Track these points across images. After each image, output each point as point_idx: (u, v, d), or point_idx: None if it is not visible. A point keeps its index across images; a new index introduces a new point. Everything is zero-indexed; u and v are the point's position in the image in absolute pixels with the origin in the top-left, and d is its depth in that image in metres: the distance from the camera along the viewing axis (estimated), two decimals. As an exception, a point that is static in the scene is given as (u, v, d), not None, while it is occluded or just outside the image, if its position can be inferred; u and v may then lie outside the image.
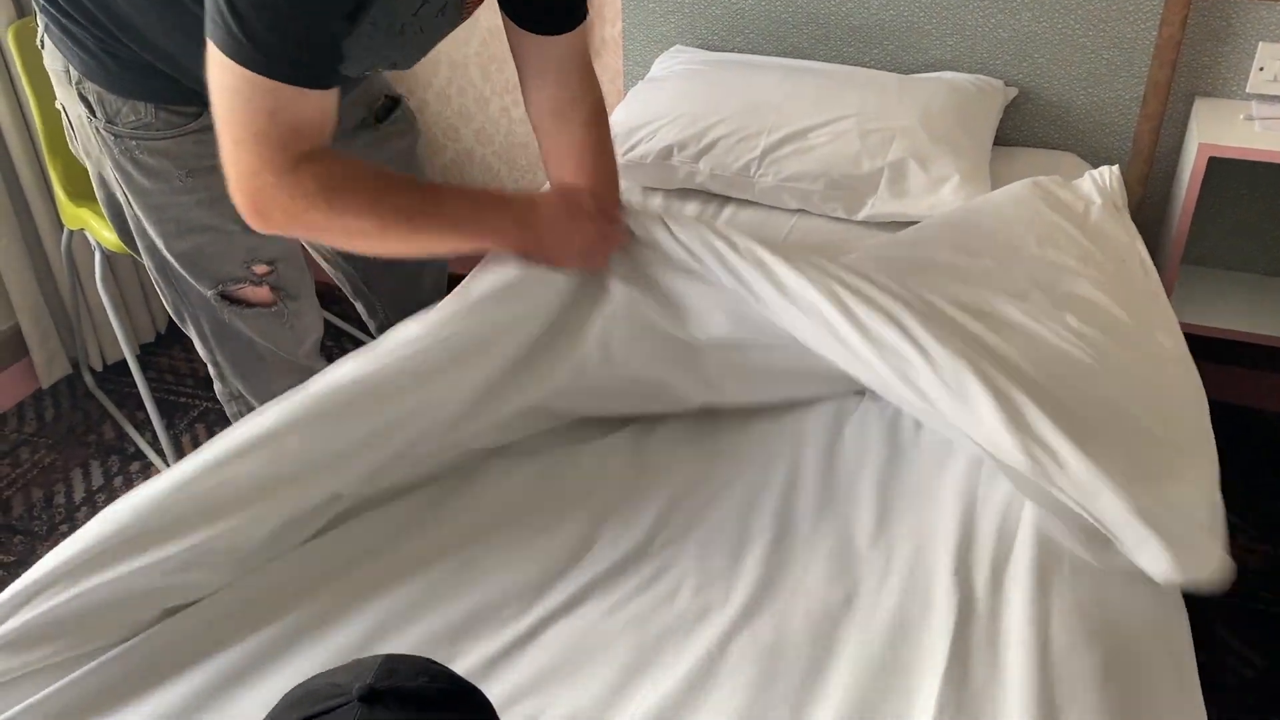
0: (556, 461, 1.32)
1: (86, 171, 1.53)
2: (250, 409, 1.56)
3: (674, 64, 2.23)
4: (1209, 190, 2.15)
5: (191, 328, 1.58)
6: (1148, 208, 2.19)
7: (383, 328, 1.68)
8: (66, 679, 1.03)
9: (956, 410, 1.17)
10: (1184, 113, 2.09)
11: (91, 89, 1.37)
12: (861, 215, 1.86)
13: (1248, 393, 2.34)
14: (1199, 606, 1.86)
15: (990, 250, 1.52)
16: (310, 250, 1.70)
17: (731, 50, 2.30)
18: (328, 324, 2.43)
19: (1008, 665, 1.01)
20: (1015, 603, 1.07)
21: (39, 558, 2.07)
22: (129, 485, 2.27)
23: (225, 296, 1.50)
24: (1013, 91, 2.13)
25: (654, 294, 1.36)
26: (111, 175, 1.45)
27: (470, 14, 1.37)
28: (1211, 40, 2.02)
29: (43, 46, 1.43)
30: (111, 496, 2.24)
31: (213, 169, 1.24)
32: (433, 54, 2.59)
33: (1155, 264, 2.17)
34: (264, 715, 0.72)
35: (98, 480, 2.30)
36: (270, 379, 1.58)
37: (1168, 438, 1.23)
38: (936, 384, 1.18)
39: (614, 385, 1.36)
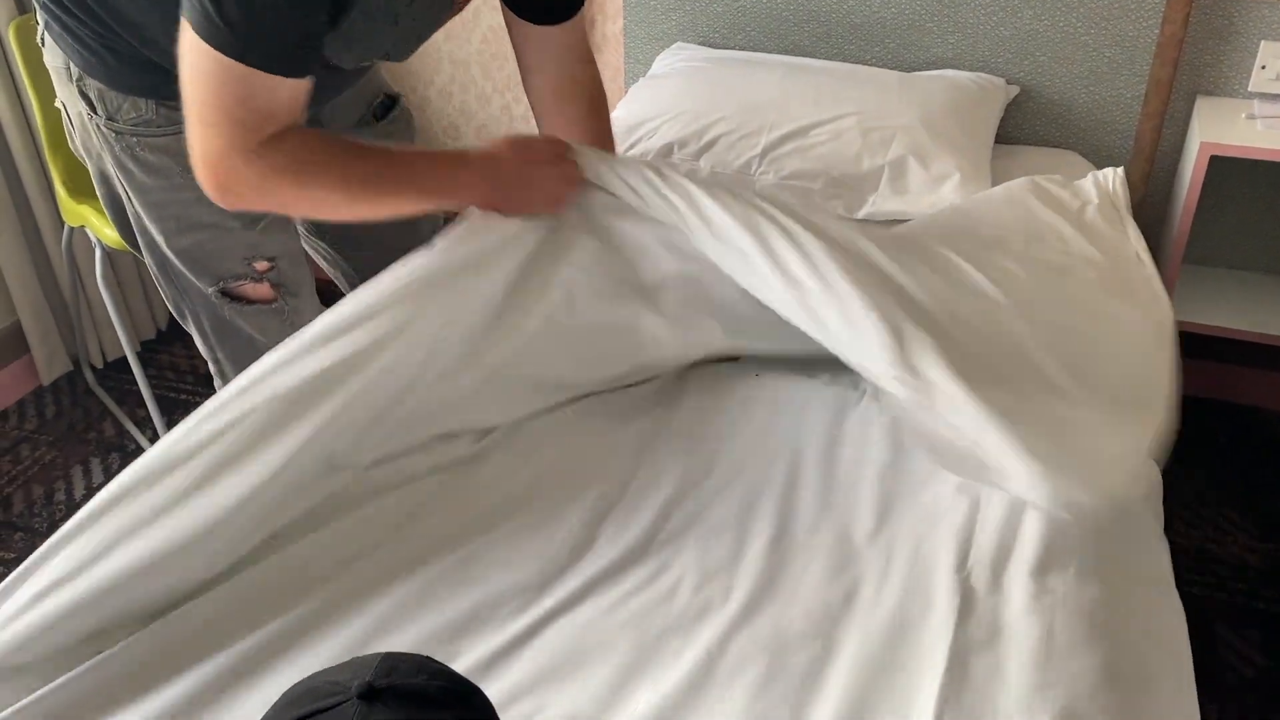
0: (556, 460, 1.32)
1: (87, 168, 1.53)
2: None
3: (675, 61, 2.23)
4: (1210, 189, 2.14)
5: (192, 325, 1.58)
6: (1149, 206, 2.18)
7: None
8: (64, 678, 1.03)
9: (849, 339, 1.23)
10: (1186, 111, 2.09)
11: (92, 85, 1.37)
12: (862, 213, 1.85)
13: (1248, 392, 2.34)
14: (1200, 606, 1.86)
15: (970, 243, 1.52)
16: (309, 249, 1.70)
17: (733, 48, 2.29)
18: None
19: (1008, 664, 1.01)
20: (1016, 602, 1.07)
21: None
22: (129, 482, 2.27)
23: (226, 293, 1.50)
24: (1014, 89, 2.12)
25: (606, 237, 1.39)
26: (112, 172, 1.45)
27: (464, 5, 1.37)
28: (1213, 38, 2.02)
29: (43, 44, 1.43)
30: (112, 493, 2.24)
31: None
32: (434, 52, 2.59)
33: (1156, 262, 2.17)
34: (264, 713, 0.72)
35: (98, 477, 2.30)
36: None
37: (1080, 391, 1.26)
38: (834, 313, 1.24)
39: (586, 336, 1.37)
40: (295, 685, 0.72)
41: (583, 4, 1.44)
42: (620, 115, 2.06)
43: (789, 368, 1.42)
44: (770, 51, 2.26)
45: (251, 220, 1.46)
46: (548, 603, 1.12)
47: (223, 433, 1.15)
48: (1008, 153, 2.09)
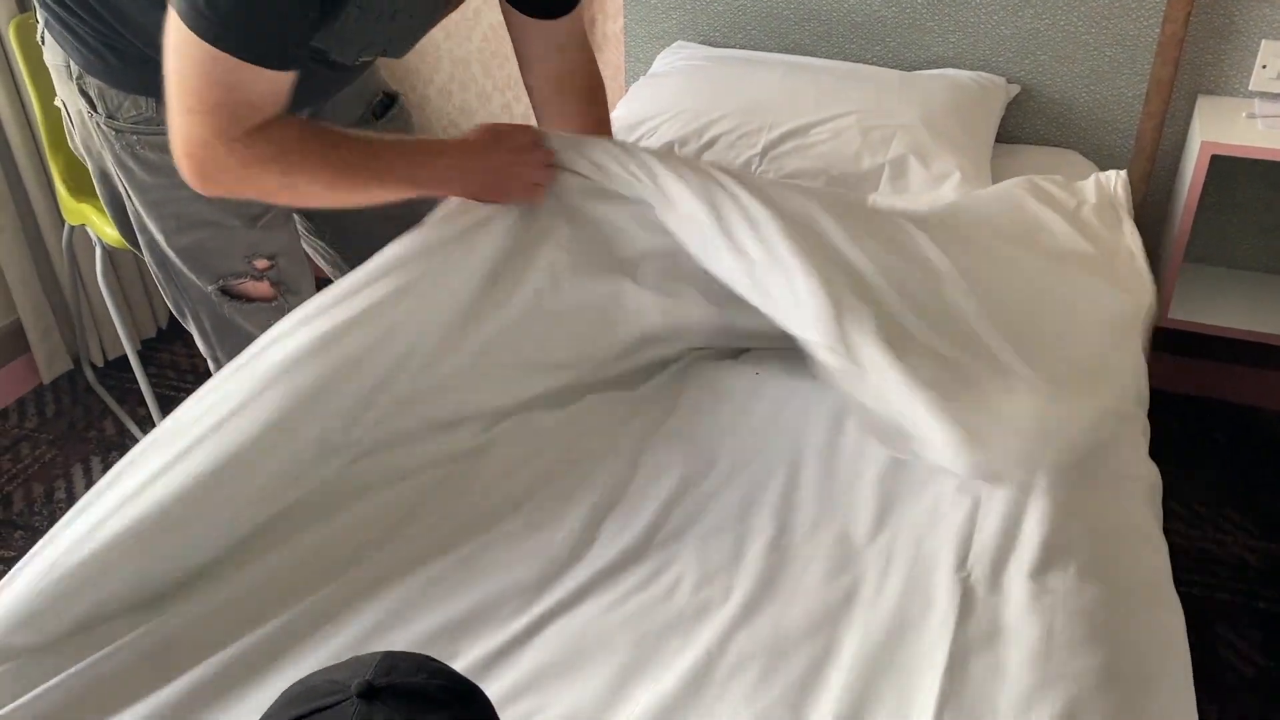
0: (556, 460, 1.32)
1: (87, 167, 1.53)
2: None
3: (676, 60, 2.23)
4: (1211, 188, 2.14)
5: (192, 323, 1.58)
6: (1150, 205, 2.18)
7: None
8: (63, 675, 1.02)
9: (790, 309, 1.27)
10: (1186, 110, 2.09)
11: (92, 84, 1.37)
12: (863, 212, 1.85)
13: (1249, 391, 2.34)
14: (1199, 606, 1.86)
15: (942, 224, 1.55)
16: (308, 249, 1.70)
17: (733, 46, 2.29)
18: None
19: (1008, 664, 1.01)
20: (1016, 602, 1.07)
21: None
22: (130, 481, 2.28)
23: (226, 292, 1.50)
24: (1015, 88, 2.12)
25: (583, 218, 1.41)
26: (112, 170, 1.45)
27: (461, 1, 1.38)
28: (1214, 38, 2.02)
29: (43, 42, 1.43)
30: (112, 492, 2.24)
31: None
32: (434, 50, 2.59)
33: (1157, 261, 2.17)
34: (263, 712, 0.72)
35: (98, 476, 2.29)
36: None
37: (1023, 365, 1.29)
38: (778, 284, 1.28)
39: (573, 313, 1.39)
40: (295, 684, 0.72)
41: None
42: (621, 114, 2.06)
43: (789, 367, 1.42)
44: (770, 50, 2.26)
45: (251, 218, 1.46)
46: (548, 602, 1.12)
47: (212, 406, 1.18)
48: (1008, 152, 2.09)
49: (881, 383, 1.22)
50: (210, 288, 1.50)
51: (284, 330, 1.25)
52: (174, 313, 1.58)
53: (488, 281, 1.35)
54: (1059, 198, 1.71)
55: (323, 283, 1.70)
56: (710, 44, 2.31)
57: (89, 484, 2.27)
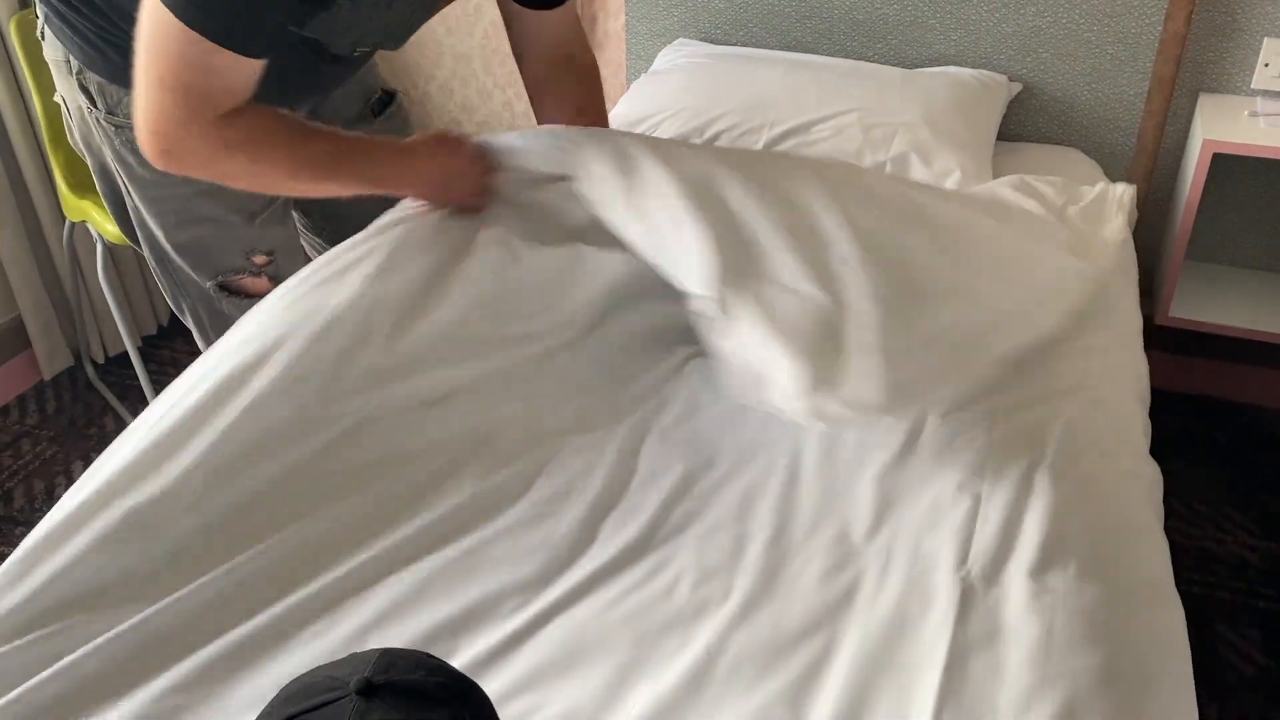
0: (556, 455, 1.32)
1: (87, 163, 1.53)
2: None
3: (677, 57, 2.23)
4: (1213, 186, 2.14)
5: (190, 319, 1.58)
6: (1151, 203, 2.18)
7: None
8: (55, 667, 1.02)
9: (674, 262, 1.31)
10: (1188, 108, 2.09)
11: (92, 79, 1.37)
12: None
13: (1250, 390, 2.33)
14: (1200, 605, 1.86)
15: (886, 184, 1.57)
16: (306, 246, 1.70)
17: (735, 44, 2.29)
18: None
19: (1007, 663, 1.01)
20: (1015, 600, 1.07)
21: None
22: (130, 477, 2.28)
23: (224, 287, 1.50)
24: (1017, 87, 2.12)
25: (530, 200, 1.45)
26: (112, 166, 1.45)
27: None
28: (1217, 36, 2.01)
29: (43, 37, 1.43)
30: (113, 488, 2.24)
31: None
32: (435, 46, 2.59)
33: (1158, 259, 2.17)
34: (260, 709, 0.72)
35: (99, 472, 2.30)
36: None
37: (896, 319, 1.30)
38: (673, 241, 1.32)
39: (537, 277, 1.41)
40: (293, 681, 0.72)
41: None
42: (622, 111, 2.06)
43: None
44: (772, 48, 2.26)
45: (250, 215, 1.47)
46: (547, 599, 1.12)
47: (177, 401, 1.22)
48: (1010, 150, 2.09)
49: (748, 331, 1.25)
50: (209, 284, 1.50)
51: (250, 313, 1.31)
52: (172, 308, 1.59)
53: (447, 268, 1.38)
54: (1046, 195, 1.72)
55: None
56: (712, 41, 2.30)
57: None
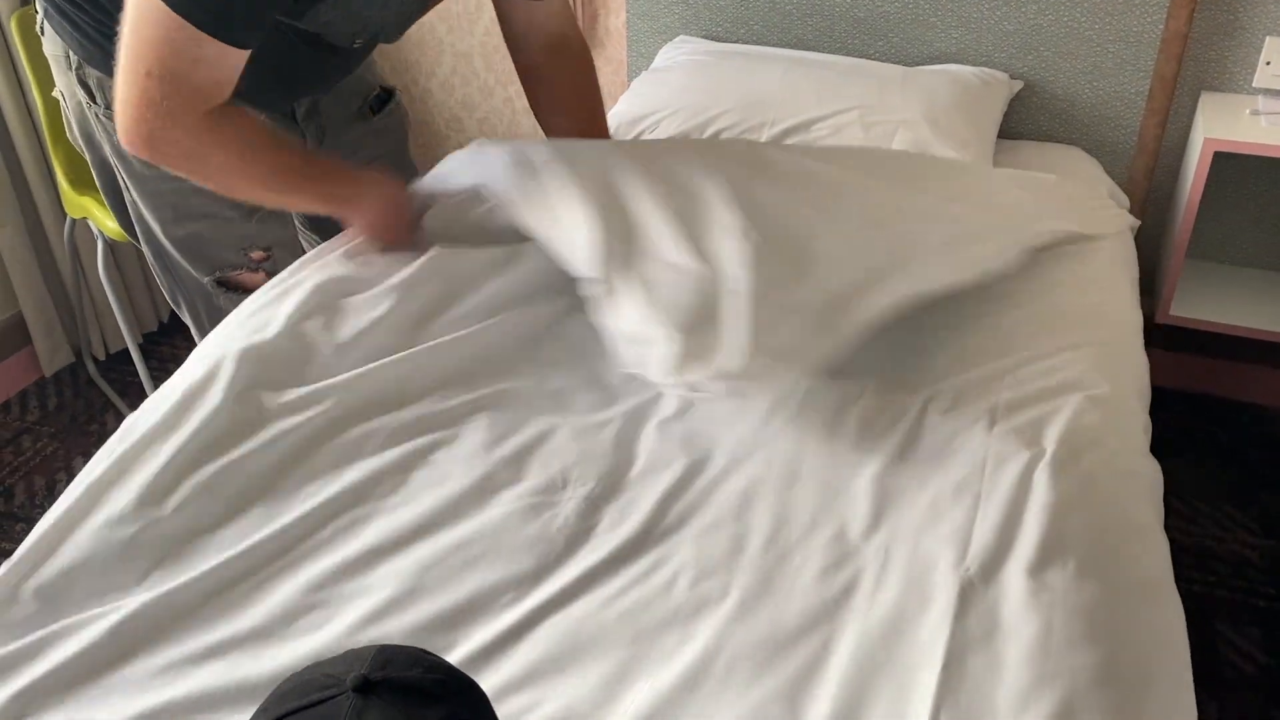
0: (554, 450, 1.31)
1: (85, 158, 1.53)
2: None
3: (678, 55, 2.23)
4: (1214, 185, 2.14)
5: (187, 313, 1.58)
6: (1152, 202, 2.18)
7: None
8: (50, 656, 1.03)
9: (567, 242, 1.37)
10: (1190, 107, 2.08)
11: (91, 74, 1.37)
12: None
13: (1250, 388, 2.33)
14: (1200, 603, 1.86)
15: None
16: (304, 243, 1.70)
17: (736, 41, 2.29)
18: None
19: (1006, 661, 1.01)
20: (1014, 598, 1.07)
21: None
22: (131, 474, 2.28)
23: (222, 283, 1.50)
24: (1018, 84, 2.12)
25: (461, 226, 1.54)
26: (111, 161, 1.45)
27: None
28: (1218, 34, 2.01)
29: (42, 33, 1.43)
30: (113, 485, 2.25)
31: None
32: (436, 43, 2.59)
33: (1159, 257, 2.17)
34: (257, 707, 0.72)
35: (99, 469, 2.30)
36: None
37: (783, 289, 1.34)
38: (561, 219, 1.39)
39: (485, 259, 1.47)
40: (289, 678, 0.72)
41: None
42: (623, 109, 2.06)
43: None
44: (773, 45, 2.26)
45: (248, 211, 1.47)
46: (544, 594, 1.11)
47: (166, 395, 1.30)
48: (1011, 148, 2.08)
49: (629, 309, 1.31)
50: (206, 279, 1.50)
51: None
52: (170, 302, 1.59)
53: (404, 263, 1.44)
54: (1036, 175, 1.78)
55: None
56: (713, 39, 2.30)
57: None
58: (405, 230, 1.47)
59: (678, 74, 2.13)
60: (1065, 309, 1.50)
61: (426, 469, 1.26)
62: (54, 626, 1.06)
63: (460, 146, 2.71)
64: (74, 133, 1.51)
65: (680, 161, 1.47)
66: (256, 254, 1.50)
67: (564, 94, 1.59)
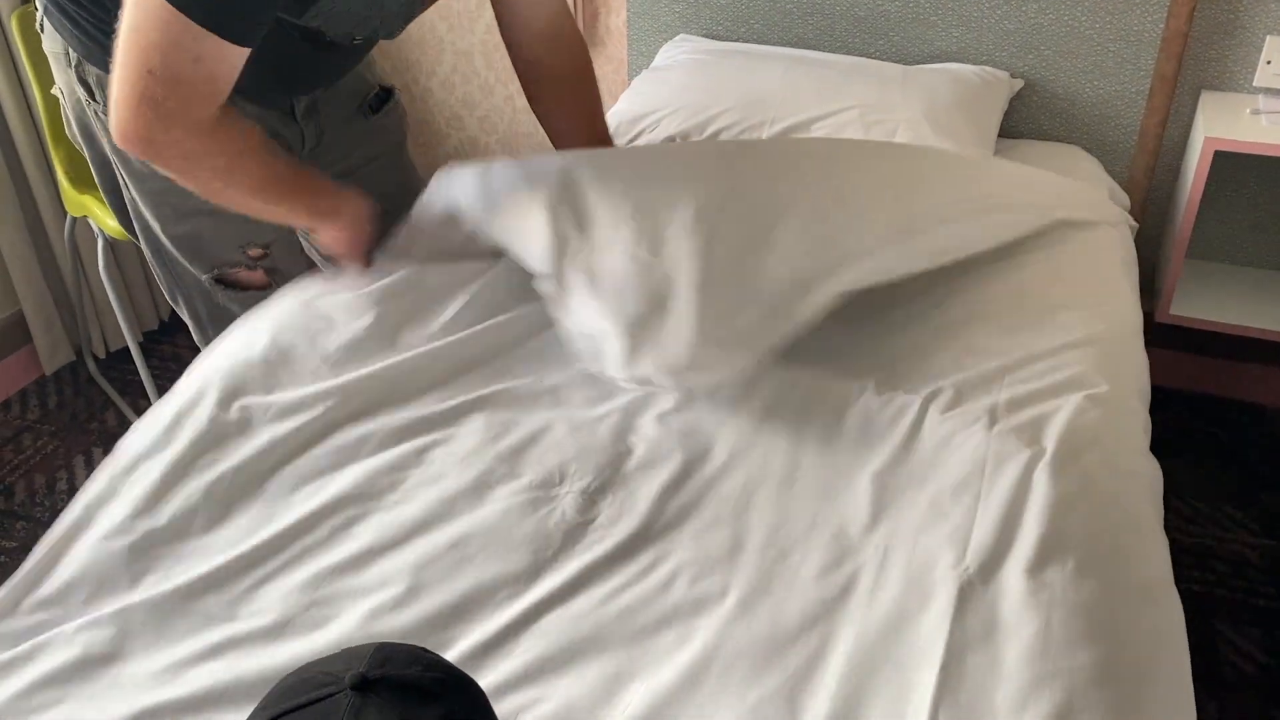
0: (551, 445, 1.31)
1: (84, 155, 1.53)
2: None
3: (678, 54, 2.23)
4: (1214, 184, 2.14)
5: (186, 311, 1.58)
6: (1153, 201, 2.18)
7: None
8: (50, 657, 1.03)
9: (521, 245, 1.41)
10: (1190, 106, 2.08)
11: (91, 71, 1.37)
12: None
13: (1251, 388, 2.33)
14: (1199, 603, 1.86)
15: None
16: (301, 237, 1.70)
17: (736, 40, 2.29)
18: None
19: (1005, 660, 1.01)
20: (1013, 597, 1.07)
21: (40, 544, 2.07)
22: (131, 472, 2.28)
23: (220, 280, 1.50)
24: (1018, 83, 2.12)
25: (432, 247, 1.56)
26: (111, 158, 1.45)
27: None
28: (1219, 33, 2.01)
29: (42, 30, 1.43)
30: (113, 483, 2.25)
31: None
32: (436, 42, 2.59)
33: (1159, 257, 2.17)
34: (255, 705, 0.72)
35: (100, 467, 2.30)
36: None
37: (726, 287, 1.35)
38: (513, 226, 1.42)
39: (460, 269, 1.50)
40: (288, 676, 0.72)
41: None
42: (623, 108, 2.06)
43: (790, 357, 1.41)
44: (773, 44, 2.26)
45: None
46: (542, 591, 1.11)
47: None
48: (1011, 147, 2.08)
49: (580, 305, 1.34)
50: (204, 276, 1.50)
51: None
52: (169, 299, 1.59)
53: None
54: (1033, 170, 1.78)
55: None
56: (713, 38, 2.30)
57: (90, 475, 2.27)
58: (369, 250, 1.49)
59: (678, 73, 2.13)
60: (1065, 308, 1.50)
61: (422, 468, 1.26)
62: (54, 631, 1.07)
63: (461, 145, 2.72)
64: (73, 130, 1.50)
65: (651, 155, 1.50)
66: (255, 251, 1.50)
67: (561, 87, 1.59)
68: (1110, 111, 2.10)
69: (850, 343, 1.44)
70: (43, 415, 2.47)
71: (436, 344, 1.39)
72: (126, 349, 2.64)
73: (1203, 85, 2.06)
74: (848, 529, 1.19)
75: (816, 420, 1.33)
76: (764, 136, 1.91)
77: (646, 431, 1.32)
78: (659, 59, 2.26)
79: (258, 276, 1.51)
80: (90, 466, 2.30)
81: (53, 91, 1.49)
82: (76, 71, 1.38)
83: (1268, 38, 1.98)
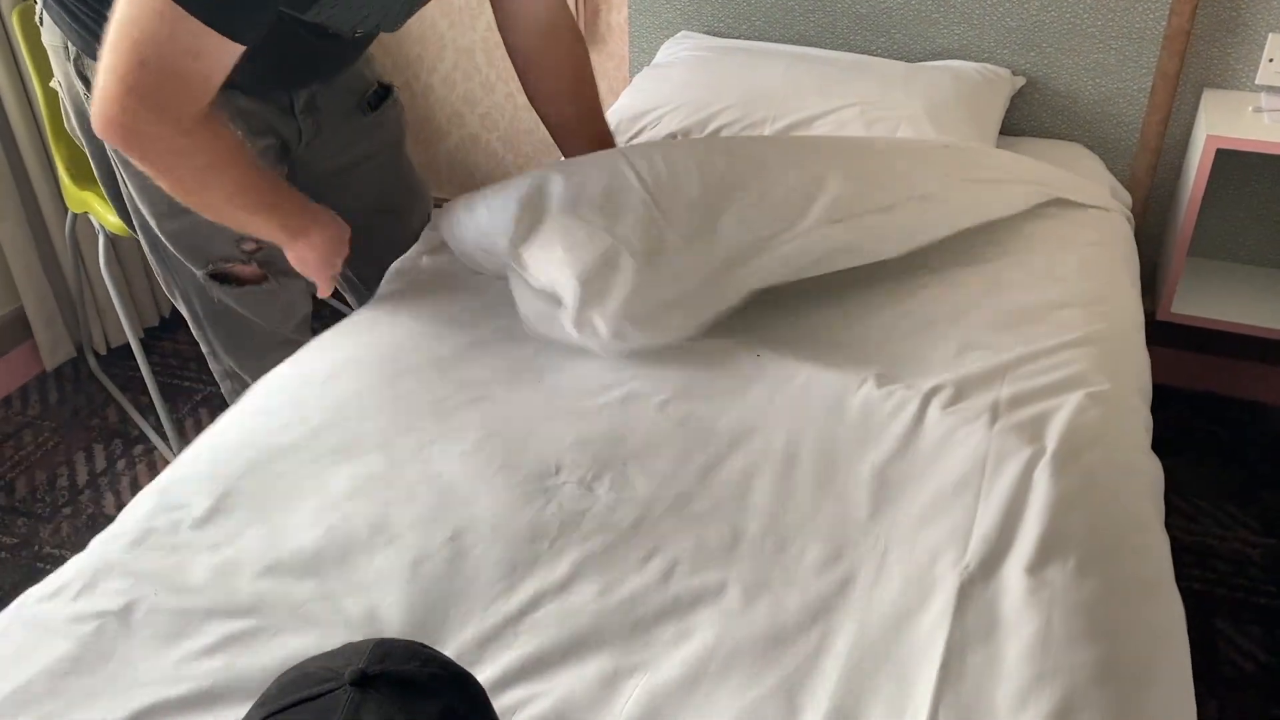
0: (547, 435, 1.30)
1: (83, 149, 1.53)
2: (245, 386, 1.57)
3: (680, 50, 2.22)
4: (1216, 182, 2.13)
5: (183, 305, 1.58)
6: (1154, 199, 2.17)
7: None
8: (49, 654, 1.03)
9: (489, 220, 1.47)
10: (1192, 104, 2.08)
11: (90, 65, 1.37)
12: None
13: (1252, 386, 2.33)
14: (1200, 601, 1.86)
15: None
16: None
17: (737, 37, 2.29)
18: (316, 305, 2.43)
19: (1005, 658, 1.01)
20: (1014, 595, 1.07)
21: (42, 540, 2.08)
22: (132, 469, 2.28)
23: (215, 275, 1.50)
24: (1020, 81, 2.11)
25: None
26: (109, 153, 1.45)
27: None
28: (1221, 31, 2.01)
29: (41, 22, 1.43)
30: (114, 480, 2.25)
31: None
32: (437, 39, 2.59)
33: (1160, 255, 2.17)
34: (254, 701, 0.72)
35: (100, 463, 2.30)
36: (261, 355, 1.59)
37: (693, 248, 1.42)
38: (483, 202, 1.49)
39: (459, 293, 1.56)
40: (287, 671, 0.72)
41: None
42: (624, 105, 2.06)
43: (791, 350, 1.41)
44: (775, 41, 2.26)
45: None
46: (539, 585, 1.11)
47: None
48: (1013, 144, 2.08)
49: (539, 265, 1.40)
50: (200, 271, 1.50)
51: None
52: (166, 293, 1.59)
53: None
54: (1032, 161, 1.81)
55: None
56: (714, 34, 2.30)
57: (91, 471, 2.27)
58: (334, 266, 1.49)
59: (679, 70, 2.13)
60: (1066, 305, 1.50)
61: (420, 464, 1.26)
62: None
63: (462, 142, 2.72)
64: (72, 124, 1.50)
65: (621, 154, 1.53)
66: (249, 245, 1.50)
67: (559, 84, 1.58)
68: (1112, 109, 2.10)
69: (851, 335, 1.44)
70: (43, 411, 2.47)
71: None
72: (127, 345, 2.64)
73: (1205, 83, 2.06)
74: (847, 523, 1.18)
75: (816, 411, 1.33)
76: (766, 133, 1.90)
77: (644, 421, 1.31)
78: (660, 56, 2.26)
79: (253, 270, 1.51)
80: (91, 463, 2.30)
81: (51, 84, 1.49)
82: (75, 65, 1.38)
83: (1270, 35, 1.98)
